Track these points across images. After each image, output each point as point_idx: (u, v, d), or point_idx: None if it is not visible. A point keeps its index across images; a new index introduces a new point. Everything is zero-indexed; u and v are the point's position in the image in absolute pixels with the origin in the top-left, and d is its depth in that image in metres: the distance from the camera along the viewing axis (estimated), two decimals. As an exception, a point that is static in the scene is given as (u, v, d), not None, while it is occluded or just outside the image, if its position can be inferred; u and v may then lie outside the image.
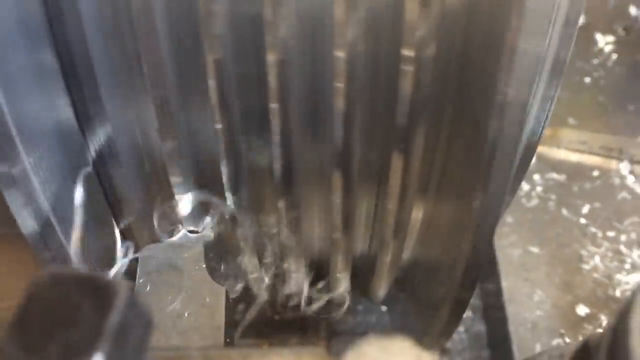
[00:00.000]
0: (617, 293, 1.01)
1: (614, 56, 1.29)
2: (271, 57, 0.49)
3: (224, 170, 0.56)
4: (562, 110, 1.19)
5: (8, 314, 0.62)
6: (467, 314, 1.04)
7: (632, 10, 1.33)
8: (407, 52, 0.50)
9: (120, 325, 0.29)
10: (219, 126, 0.52)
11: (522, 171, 0.66)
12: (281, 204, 0.58)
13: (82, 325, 0.29)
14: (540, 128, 0.62)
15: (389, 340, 0.38)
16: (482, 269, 0.55)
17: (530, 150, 0.64)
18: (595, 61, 1.28)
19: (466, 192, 0.54)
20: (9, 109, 0.45)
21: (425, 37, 0.49)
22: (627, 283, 1.02)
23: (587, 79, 1.25)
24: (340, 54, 0.49)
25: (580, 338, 0.98)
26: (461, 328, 1.03)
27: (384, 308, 0.97)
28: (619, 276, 1.03)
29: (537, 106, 0.60)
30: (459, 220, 0.56)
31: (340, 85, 0.51)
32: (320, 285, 0.75)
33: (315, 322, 0.93)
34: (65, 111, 0.52)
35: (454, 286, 0.58)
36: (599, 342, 0.39)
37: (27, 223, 0.49)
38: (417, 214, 0.65)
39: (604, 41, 1.30)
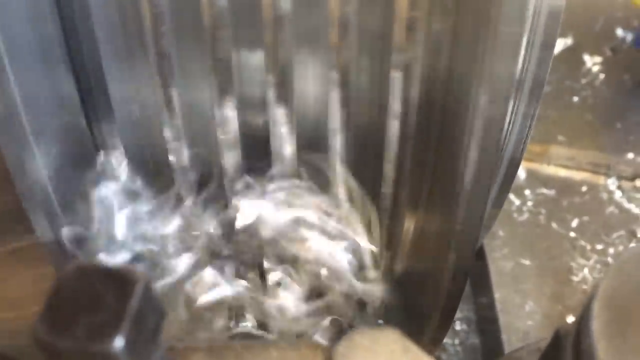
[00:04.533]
0: (606, 304, 1.04)
1: (602, 76, 1.33)
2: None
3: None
4: (552, 128, 1.23)
5: (26, 321, 0.65)
6: (462, 327, 1.07)
7: (619, 31, 1.39)
8: (396, 74, 0.54)
9: (139, 311, 0.34)
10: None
11: (507, 185, 0.70)
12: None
13: (105, 310, 0.33)
14: (522, 144, 0.66)
15: (379, 331, 0.41)
16: (467, 277, 0.59)
17: (514, 164, 0.68)
18: (584, 81, 1.32)
19: (449, 205, 0.58)
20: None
21: (412, 59, 0.53)
22: (615, 294, 1.05)
23: (576, 98, 1.30)
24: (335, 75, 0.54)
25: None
26: (456, 341, 1.06)
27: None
28: (607, 288, 1.06)
29: (519, 123, 0.64)
30: (444, 232, 0.59)
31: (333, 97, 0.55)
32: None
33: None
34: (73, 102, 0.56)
35: (442, 294, 0.61)
36: (568, 330, 0.43)
37: (45, 231, 0.53)
38: (409, 227, 0.69)
39: (592, 62, 1.35)
